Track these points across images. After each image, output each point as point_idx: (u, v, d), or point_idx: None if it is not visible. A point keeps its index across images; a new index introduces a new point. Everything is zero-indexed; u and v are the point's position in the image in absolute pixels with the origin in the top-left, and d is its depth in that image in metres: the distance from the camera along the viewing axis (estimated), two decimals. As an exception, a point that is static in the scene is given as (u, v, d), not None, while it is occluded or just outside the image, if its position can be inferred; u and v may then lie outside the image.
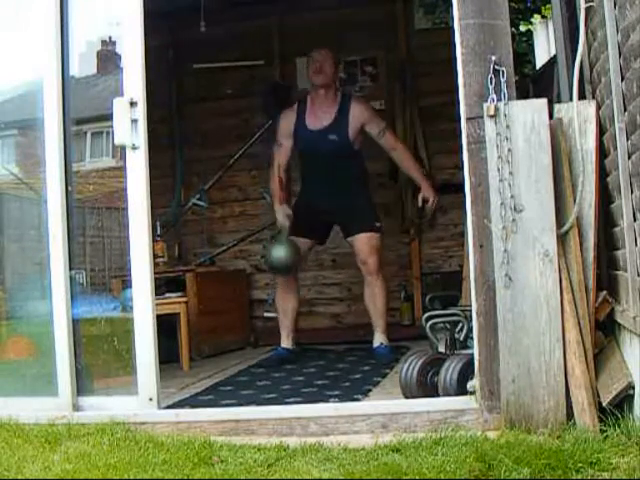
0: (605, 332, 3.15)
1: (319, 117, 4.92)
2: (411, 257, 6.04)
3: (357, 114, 4.91)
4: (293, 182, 5.56)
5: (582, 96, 3.25)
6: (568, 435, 2.77)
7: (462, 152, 3.20)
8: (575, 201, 3.05)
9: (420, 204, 4.98)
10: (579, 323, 2.98)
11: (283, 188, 5.01)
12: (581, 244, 3.05)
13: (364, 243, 4.89)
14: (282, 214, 4.92)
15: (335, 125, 4.89)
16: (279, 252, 4.83)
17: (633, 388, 2.81)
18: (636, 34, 2.60)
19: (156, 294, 3.64)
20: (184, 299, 5.09)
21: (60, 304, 3.61)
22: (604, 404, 2.85)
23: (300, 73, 6.26)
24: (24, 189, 4.43)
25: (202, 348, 5.36)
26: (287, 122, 5.00)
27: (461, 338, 3.69)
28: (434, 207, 4.99)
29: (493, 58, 3.09)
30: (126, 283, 3.92)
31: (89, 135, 6.60)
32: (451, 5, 3.24)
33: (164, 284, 5.18)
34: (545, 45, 6.85)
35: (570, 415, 2.91)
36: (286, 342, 4.99)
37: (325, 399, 3.61)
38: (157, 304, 3.65)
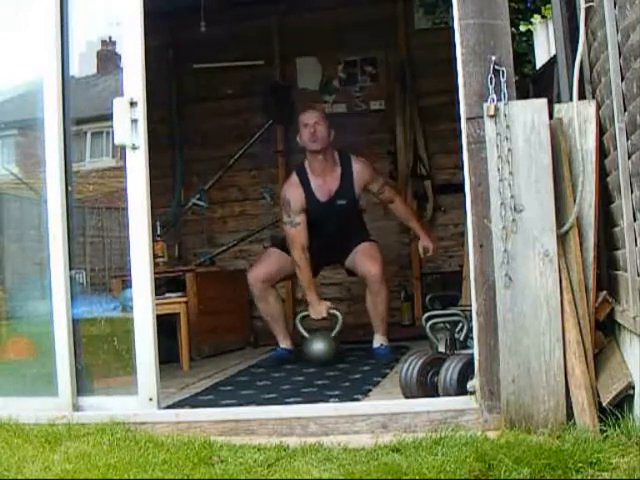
0: (605, 332, 3.15)
1: (326, 184, 4.84)
2: (411, 257, 6.04)
3: (360, 174, 4.87)
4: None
5: (582, 96, 3.25)
6: (568, 435, 2.76)
7: (462, 152, 3.20)
8: (575, 201, 3.05)
9: (421, 254, 4.99)
10: (579, 323, 2.98)
11: (314, 274, 4.89)
12: (581, 244, 3.05)
13: (365, 253, 4.87)
14: (324, 309, 4.76)
15: (342, 190, 4.84)
16: (318, 346, 4.68)
17: (633, 388, 2.81)
18: (636, 34, 2.60)
19: (156, 294, 3.64)
20: (184, 299, 5.08)
21: (60, 304, 3.61)
22: (604, 404, 2.85)
23: (300, 73, 6.27)
24: (24, 189, 4.43)
25: (202, 348, 5.36)
26: (296, 198, 4.81)
27: (461, 338, 3.69)
28: (433, 254, 5.02)
29: (493, 58, 3.09)
30: (126, 283, 3.92)
31: (89, 135, 6.61)
32: (451, 5, 3.24)
33: (164, 284, 5.18)
34: (545, 45, 6.85)
35: (570, 415, 2.91)
36: (285, 343, 4.99)
37: (325, 399, 3.61)
38: (157, 304, 3.65)
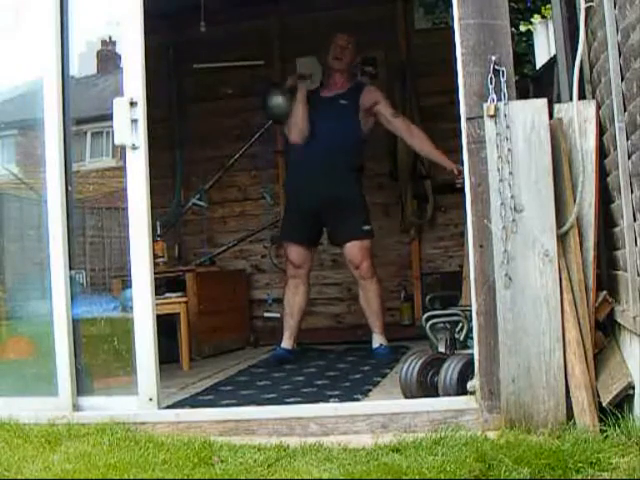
0: (605, 332, 3.15)
1: (332, 88, 5.07)
2: (411, 257, 6.04)
3: (367, 93, 5.04)
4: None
5: (582, 96, 3.26)
6: (568, 435, 2.77)
7: (462, 152, 3.20)
8: (575, 201, 3.05)
9: (458, 180, 4.93)
10: (579, 323, 2.98)
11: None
12: (581, 244, 3.05)
13: (355, 250, 4.90)
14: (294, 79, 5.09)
15: (347, 93, 5.02)
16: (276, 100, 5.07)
17: (633, 388, 2.81)
18: (636, 34, 2.60)
19: (156, 294, 3.64)
20: (184, 299, 5.09)
21: (60, 304, 3.61)
22: (604, 404, 2.85)
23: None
24: (24, 189, 4.43)
25: (202, 348, 5.36)
26: (303, 88, 5.08)
27: (461, 338, 3.69)
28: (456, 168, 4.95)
29: (493, 58, 3.09)
30: (126, 283, 3.92)
31: (89, 135, 6.61)
32: (451, 5, 3.24)
33: (164, 284, 5.18)
34: (545, 45, 6.85)
35: (570, 415, 2.91)
36: (287, 342, 4.99)
37: (325, 399, 3.61)
38: (157, 304, 3.65)
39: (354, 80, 5.21)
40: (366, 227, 4.96)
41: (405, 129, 5.09)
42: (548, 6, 5.24)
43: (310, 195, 4.91)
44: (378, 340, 4.91)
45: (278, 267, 6.12)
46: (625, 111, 2.82)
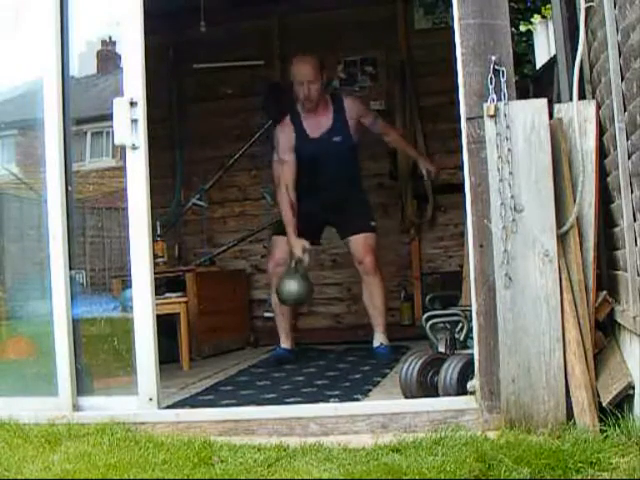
0: (605, 332, 3.15)
1: (318, 121, 4.89)
2: (411, 257, 6.04)
3: (351, 109, 4.95)
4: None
5: (582, 96, 3.25)
6: (568, 435, 2.76)
7: (462, 152, 3.20)
8: (575, 201, 3.05)
9: (425, 176, 5.12)
10: (579, 323, 2.98)
11: (295, 213, 4.81)
12: (581, 244, 3.05)
13: (360, 244, 4.90)
14: (299, 247, 4.73)
15: (336, 126, 4.89)
16: (291, 286, 4.73)
17: (633, 388, 2.81)
18: (636, 34, 2.60)
19: (156, 294, 3.64)
20: (184, 299, 5.09)
21: (60, 304, 3.61)
22: (604, 404, 2.85)
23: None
24: (24, 189, 4.43)
25: (202, 348, 5.36)
26: (286, 136, 4.88)
27: (461, 338, 3.69)
28: (436, 174, 5.12)
29: (493, 58, 3.09)
30: (126, 283, 3.93)
31: (89, 135, 6.61)
32: (451, 5, 3.24)
33: (164, 284, 5.18)
34: (545, 45, 6.85)
35: (570, 415, 2.91)
36: (285, 342, 5.00)
37: (325, 399, 3.61)
38: (157, 304, 3.65)
39: (330, 100, 4.95)
40: (372, 223, 4.98)
41: (384, 131, 5.16)
42: (548, 6, 5.24)
43: (315, 203, 4.89)
44: (379, 339, 4.90)
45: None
46: (625, 111, 2.82)
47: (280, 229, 5.04)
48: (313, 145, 4.87)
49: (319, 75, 4.83)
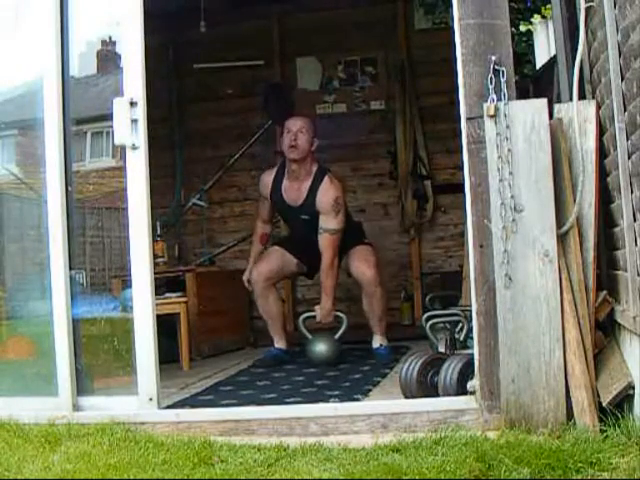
0: (605, 332, 3.15)
1: (295, 192, 4.82)
2: (411, 257, 6.04)
3: (320, 199, 4.73)
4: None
5: (582, 96, 3.25)
6: (568, 435, 2.77)
7: (462, 152, 3.20)
8: (575, 201, 3.05)
9: (317, 318, 4.83)
10: (579, 323, 2.98)
11: (264, 244, 5.07)
12: (581, 244, 3.05)
13: (360, 256, 4.84)
14: (248, 277, 4.95)
15: (306, 205, 4.78)
16: (320, 347, 4.71)
17: (633, 388, 2.81)
18: (636, 34, 2.60)
19: (156, 294, 3.64)
20: (184, 299, 5.08)
21: (60, 304, 3.60)
22: (604, 404, 2.85)
23: (300, 73, 6.27)
24: (24, 189, 4.43)
25: (202, 348, 5.36)
26: (265, 186, 4.96)
27: (461, 338, 3.69)
28: (323, 322, 4.82)
29: (493, 58, 3.09)
30: (126, 283, 3.93)
31: (89, 135, 6.61)
32: (451, 5, 3.24)
33: (164, 284, 5.17)
34: (545, 45, 6.85)
35: (570, 415, 2.91)
36: (280, 343, 4.99)
37: (325, 399, 3.61)
38: (157, 304, 3.65)
39: (314, 171, 4.79)
40: (365, 239, 4.97)
41: (324, 243, 4.73)
42: (548, 6, 5.23)
43: (306, 248, 4.88)
44: (379, 340, 4.90)
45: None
46: (625, 111, 2.82)
47: (282, 242, 5.10)
48: (286, 209, 4.91)
49: (310, 131, 4.77)
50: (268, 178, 4.93)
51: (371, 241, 5.02)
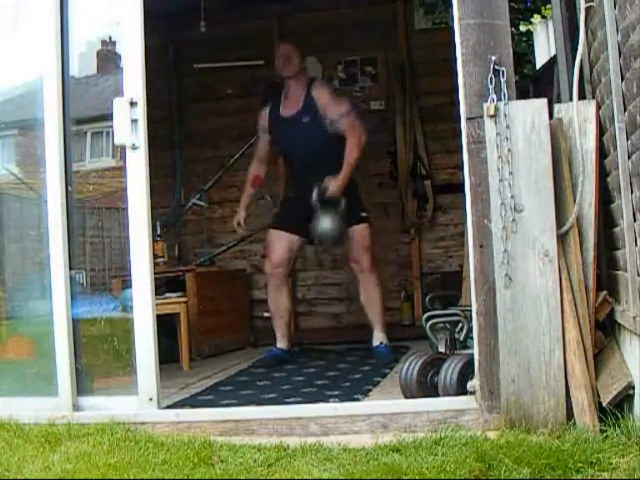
0: (605, 332, 3.15)
1: (293, 103, 5.00)
2: (411, 257, 6.04)
3: (317, 97, 4.96)
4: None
5: (582, 96, 3.25)
6: (568, 435, 2.77)
7: (462, 152, 3.20)
8: (575, 201, 3.05)
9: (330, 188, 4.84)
10: (579, 323, 2.98)
11: (255, 186, 5.25)
12: (581, 244, 3.05)
13: (356, 238, 4.86)
14: (239, 218, 5.17)
15: (305, 108, 4.94)
16: (326, 224, 4.81)
17: (633, 388, 2.81)
18: (636, 34, 2.60)
19: (156, 294, 3.64)
20: (184, 299, 5.09)
21: (60, 304, 3.61)
22: (604, 404, 2.85)
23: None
24: (24, 189, 4.43)
25: (202, 348, 5.36)
26: (262, 117, 5.13)
27: (461, 338, 3.69)
28: (334, 191, 4.83)
29: (493, 58, 3.09)
30: (126, 283, 3.92)
31: (89, 135, 6.61)
32: (451, 5, 3.24)
33: (164, 284, 5.18)
34: (545, 45, 6.85)
35: (570, 415, 2.91)
36: (281, 343, 4.98)
37: (325, 399, 3.61)
38: (157, 304, 3.65)
39: (308, 83, 5.03)
40: (363, 213, 4.95)
41: (348, 127, 4.87)
42: (548, 6, 5.24)
43: (306, 193, 4.85)
44: (379, 338, 4.89)
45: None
46: (625, 111, 2.82)
47: (277, 221, 5.08)
48: (284, 123, 5.00)
49: (298, 52, 5.03)
50: (264, 111, 5.14)
51: (367, 215, 4.97)
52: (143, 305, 3.51)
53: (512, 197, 3.00)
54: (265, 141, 5.15)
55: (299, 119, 4.92)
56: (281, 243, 4.94)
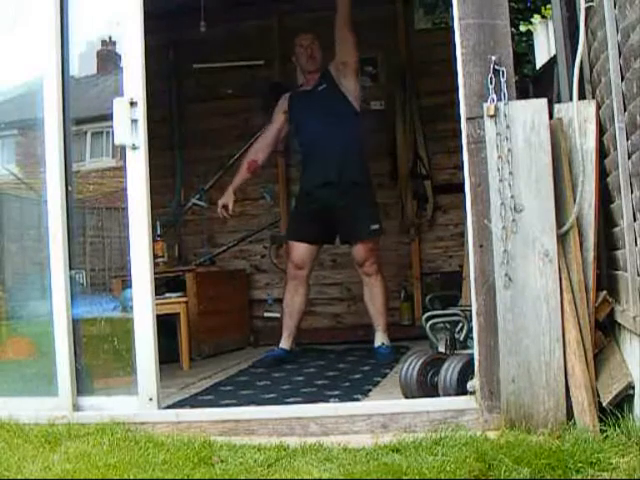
0: (605, 332, 3.15)
1: (311, 79, 5.07)
2: (411, 257, 6.04)
3: (334, 66, 5.01)
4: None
5: (582, 96, 3.26)
6: (568, 435, 2.77)
7: (462, 152, 3.20)
8: (575, 201, 3.05)
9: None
10: (579, 323, 2.98)
11: (250, 170, 5.18)
12: (581, 244, 3.05)
13: (359, 251, 4.89)
14: (225, 201, 5.07)
15: (322, 78, 5.03)
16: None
17: (633, 388, 2.81)
18: (636, 34, 2.60)
19: (156, 294, 3.64)
20: (184, 299, 5.09)
21: (60, 304, 3.61)
22: (604, 404, 2.85)
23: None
24: (24, 189, 4.43)
25: (202, 348, 5.36)
26: (284, 99, 5.18)
27: (461, 338, 3.69)
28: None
29: (493, 58, 3.09)
30: (126, 283, 3.93)
31: (89, 135, 6.61)
32: (451, 5, 3.24)
33: (164, 284, 5.18)
34: (545, 45, 6.85)
35: (570, 415, 2.91)
36: (285, 343, 4.98)
37: (325, 399, 3.61)
38: (157, 304, 3.65)
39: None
40: (374, 226, 4.92)
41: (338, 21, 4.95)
42: (548, 6, 5.24)
43: (323, 189, 4.87)
44: (380, 339, 4.89)
45: (278, 267, 6.12)
46: (625, 111, 2.82)
47: (293, 236, 5.06)
48: (303, 97, 5.06)
49: (319, 45, 5.05)
50: (285, 96, 5.20)
51: (378, 226, 4.95)
52: (143, 305, 3.51)
53: (512, 197, 3.00)
54: (279, 122, 5.17)
55: (315, 89, 5.02)
56: (301, 249, 4.96)
